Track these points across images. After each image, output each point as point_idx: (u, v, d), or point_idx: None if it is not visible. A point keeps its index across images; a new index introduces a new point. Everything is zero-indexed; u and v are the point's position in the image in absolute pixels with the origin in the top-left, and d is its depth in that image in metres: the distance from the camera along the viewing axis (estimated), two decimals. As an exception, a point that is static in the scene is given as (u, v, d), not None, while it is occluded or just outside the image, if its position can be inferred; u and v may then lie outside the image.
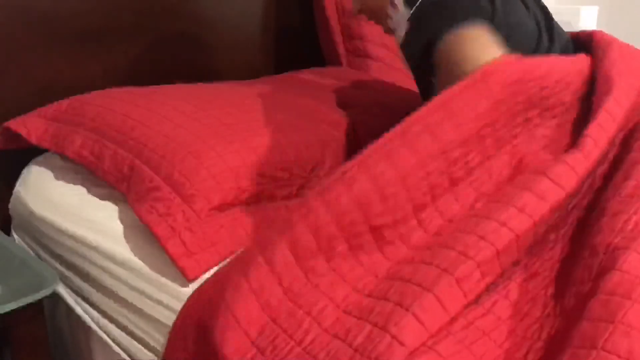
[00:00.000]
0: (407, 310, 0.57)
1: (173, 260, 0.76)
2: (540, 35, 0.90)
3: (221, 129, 0.92)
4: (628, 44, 0.91)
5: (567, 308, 0.58)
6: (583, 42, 0.95)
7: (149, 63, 1.28)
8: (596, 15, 2.39)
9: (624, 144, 0.76)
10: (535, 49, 0.89)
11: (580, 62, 0.85)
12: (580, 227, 0.67)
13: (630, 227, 0.60)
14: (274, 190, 0.90)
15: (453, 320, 0.59)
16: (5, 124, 1.05)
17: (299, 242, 0.69)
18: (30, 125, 1.02)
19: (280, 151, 0.92)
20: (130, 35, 1.25)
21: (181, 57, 1.34)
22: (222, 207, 0.83)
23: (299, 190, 0.92)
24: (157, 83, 1.13)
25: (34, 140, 1.00)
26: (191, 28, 1.35)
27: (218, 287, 0.69)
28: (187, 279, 0.76)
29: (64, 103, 1.04)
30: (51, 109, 1.04)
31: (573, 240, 0.66)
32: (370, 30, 1.51)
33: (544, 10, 0.98)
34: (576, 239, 0.66)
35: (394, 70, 1.50)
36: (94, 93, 1.06)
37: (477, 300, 0.61)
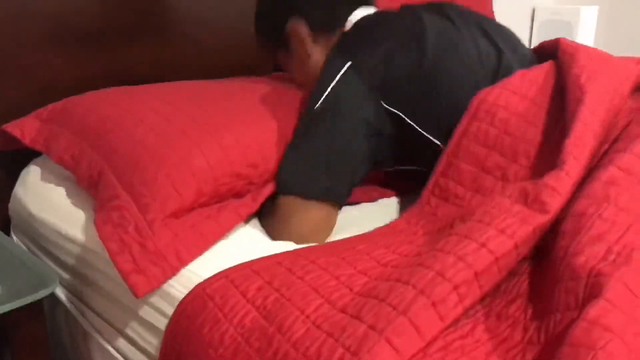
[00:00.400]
0: (380, 334, 0.55)
1: (122, 277, 0.74)
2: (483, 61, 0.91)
3: (191, 129, 0.89)
4: (596, 48, 0.90)
5: (551, 334, 0.56)
6: (549, 52, 0.94)
7: (149, 63, 1.28)
8: (596, 15, 2.39)
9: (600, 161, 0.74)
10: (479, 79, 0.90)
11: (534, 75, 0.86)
12: (562, 248, 0.63)
13: (612, 256, 0.57)
14: (240, 188, 0.88)
15: (430, 342, 0.56)
16: (2, 127, 1.05)
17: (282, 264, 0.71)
18: (25, 128, 1.03)
19: (248, 148, 0.89)
20: (130, 35, 1.25)
21: (181, 57, 1.34)
22: (178, 215, 0.81)
23: (264, 186, 0.90)
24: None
25: (27, 141, 1.01)
26: (191, 28, 1.35)
27: (190, 313, 0.68)
28: (135, 296, 0.73)
29: (60, 104, 1.05)
30: (47, 110, 1.05)
31: (554, 261, 0.64)
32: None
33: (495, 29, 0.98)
34: (557, 260, 0.63)
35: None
36: (89, 93, 1.06)
37: (455, 324, 0.59)
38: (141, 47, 1.27)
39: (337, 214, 0.88)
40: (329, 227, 0.87)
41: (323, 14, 1.03)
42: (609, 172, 0.67)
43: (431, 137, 0.88)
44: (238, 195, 0.88)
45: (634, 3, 2.52)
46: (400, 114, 0.87)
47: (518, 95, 0.85)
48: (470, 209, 0.75)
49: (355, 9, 1.03)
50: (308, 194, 0.83)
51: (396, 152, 0.91)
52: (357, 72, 0.87)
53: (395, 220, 0.84)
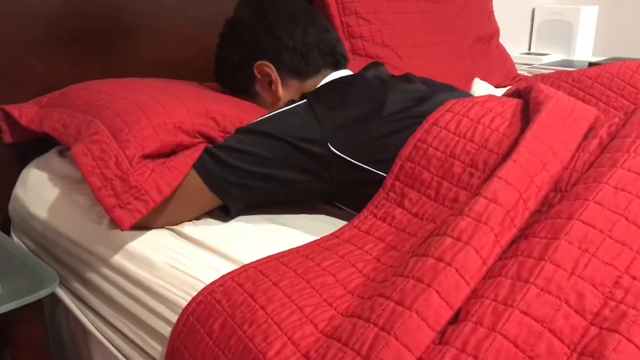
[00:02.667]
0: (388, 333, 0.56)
1: (106, 211, 0.78)
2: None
3: (180, 95, 0.95)
4: (569, 102, 0.84)
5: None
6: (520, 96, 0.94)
7: (149, 63, 1.28)
8: (596, 15, 2.39)
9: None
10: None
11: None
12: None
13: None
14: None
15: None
16: (2, 106, 1.06)
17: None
18: (23, 110, 1.04)
19: (230, 120, 0.94)
20: (130, 35, 1.25)
21: (181, 57, 1.34)
22: (153, 156, 0.85)
23: None
24: (157, 83, 1.13)
25: (24, 122, 1.02)
26: (191, 28, 1.35)
27: (199, 316, 0.69)
28: (120, 229, 0.78)
29: (59, 91, 1.07)
30: (46, 97, 1.07)
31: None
32: (371, 30, 1.51)
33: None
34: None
35: (392, 68, 1.50)
36: (87, 82, 1.08)
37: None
38: (141, 47, 1.27)
39: (208, 204, 0.88)
40: (194, 208, 0.88)
41: (294, 59, 1.06)
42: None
43: (385, 174, 0.86)
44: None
45: (634, 3, 2.52)
46: (348, 157, 0.87)
47: (496, 102, 0.86)
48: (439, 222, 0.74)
49: (331, 62, 1.08)
50: (199, 169, 0.86)
51: (342, 194, 0.91)
52: (314, 111, 0.89)
53: (354, 222, 0.83)
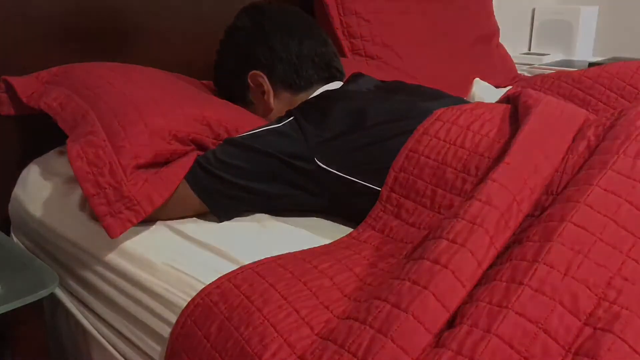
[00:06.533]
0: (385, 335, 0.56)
1: (97, 218, 0.80)
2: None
3: (179, 96, 0.96)
4: (558, 105, 0.84)
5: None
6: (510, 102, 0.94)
7: (150, 63, 1.28)
8: (596, 15, 2.39)
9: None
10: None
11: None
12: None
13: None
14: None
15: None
16: (4, 77, 1.05)
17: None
18: (25, 84, 1.04)
19: (225, 126, 0.95)
20: (130, 35, 1.25)
21: (182, 57, 1.34)
22: (147, 166, 0.85)
23: None
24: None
25: (23, 98, 1.02)
26: (192, 28, 1.35)
27: (197, 318, 0.69)
28: (110, 237, 0.79)
29: (62, 68, 1.06)
30: (50, 73, 1.06)
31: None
32: (371, 30, 1.51)
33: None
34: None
35: (392, 69, 1.50)
36: (90, 63, 1.08)
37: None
38: (141, 47, 1.27)
39: (194, 211, 0.90)
40: (180, 213, 0.89)
41: (286, 71, 1.06)
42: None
43: (372, 185, 0.86)
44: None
45: (634, 3, 2.51)
46: (335, 171, 0.87)
47: (485, 109, 0.87)
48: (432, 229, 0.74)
49: (324, 76, 1.07)
50: (189, 179, 0.88)
51: (332, 205, 0.90)
52: (300, 127, 0.89)
53: (352, 232, 0.84)
